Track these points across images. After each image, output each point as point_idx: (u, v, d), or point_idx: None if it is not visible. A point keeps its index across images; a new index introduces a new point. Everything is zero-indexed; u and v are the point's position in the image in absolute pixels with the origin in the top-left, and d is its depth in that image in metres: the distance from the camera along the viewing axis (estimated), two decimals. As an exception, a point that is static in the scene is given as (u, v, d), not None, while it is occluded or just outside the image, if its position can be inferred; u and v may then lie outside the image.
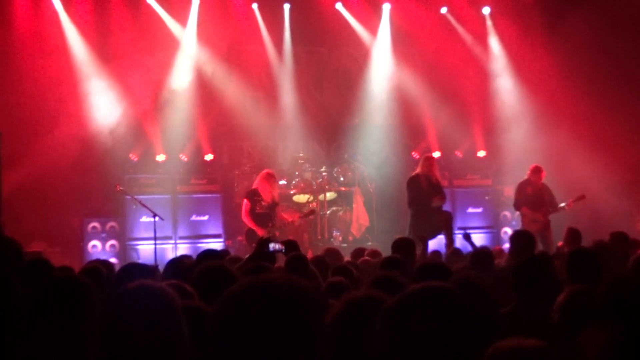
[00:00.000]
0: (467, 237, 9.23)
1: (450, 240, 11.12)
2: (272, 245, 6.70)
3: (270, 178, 11.91)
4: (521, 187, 12.36)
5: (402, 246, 7.20)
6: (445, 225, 11.30)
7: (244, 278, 2.04)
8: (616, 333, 1.64)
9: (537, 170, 12.25)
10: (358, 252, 8.57)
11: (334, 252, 7.97)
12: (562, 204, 12.11)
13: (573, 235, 8.85)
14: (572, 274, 5.02)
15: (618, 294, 3.61)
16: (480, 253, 6.78)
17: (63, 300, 3.05)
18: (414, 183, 11.50)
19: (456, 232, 12.38)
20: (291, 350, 1.81)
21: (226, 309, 1.89)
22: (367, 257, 7.77)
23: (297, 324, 1.83)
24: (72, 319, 2.98)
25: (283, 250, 6.85)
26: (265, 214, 11.78)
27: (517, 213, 12.97)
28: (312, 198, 13.61)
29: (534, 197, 12.17)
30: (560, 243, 9.60)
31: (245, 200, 11.95)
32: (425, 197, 11.36)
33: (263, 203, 11.77)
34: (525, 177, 12.38)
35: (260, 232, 11.57)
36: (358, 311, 2.57)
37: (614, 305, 3.58)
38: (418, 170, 11.70)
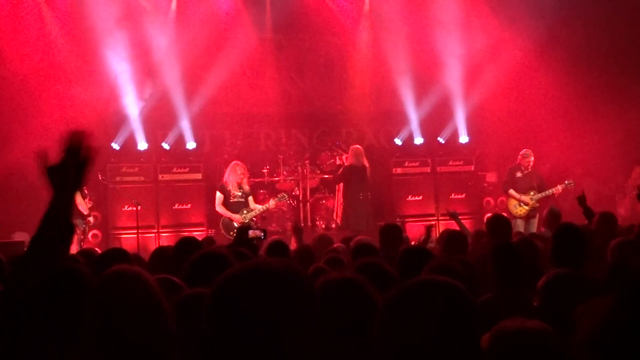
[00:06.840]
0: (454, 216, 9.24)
1: None
2: (251, 232, 6.71)
3: (239, 168, 11.90)
4: (511, 171, 12.54)
5: (389, 232, 7.13)
6: None
7: (239, 262, 2.06)
8: (619, 301, 1.64)
9: (526, 155, 12.36)
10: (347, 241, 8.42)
11: (325, 240, 7.85)
12: (551, 190, 12.08)
13: (553, 216, 8.86)
14: (557, 251, 4.90)
15: (621, 269, 3.63)
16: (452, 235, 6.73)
17: (60, 291, 3.01)
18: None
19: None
20: (288, 330, 1.84)
21: (224, 290, 1.90)
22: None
23: (293, 304, 1.86)
24: (67, 310, 2.95)
25: (263, 237, 6.88)
26: (239, 203, 11.81)
27: (500, 199, 12.98)
28: (294, 186, 13.57)
29: (522, 181, 12.29)
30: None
31: (217, 192, 11.94)
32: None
33: (235, 192, 11.78)
34: (517, 161, 12.49)
35: (236, 220, 11.62)
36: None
37: (617, 278, 3.60)
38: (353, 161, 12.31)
